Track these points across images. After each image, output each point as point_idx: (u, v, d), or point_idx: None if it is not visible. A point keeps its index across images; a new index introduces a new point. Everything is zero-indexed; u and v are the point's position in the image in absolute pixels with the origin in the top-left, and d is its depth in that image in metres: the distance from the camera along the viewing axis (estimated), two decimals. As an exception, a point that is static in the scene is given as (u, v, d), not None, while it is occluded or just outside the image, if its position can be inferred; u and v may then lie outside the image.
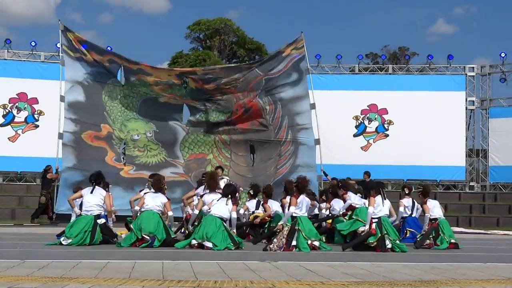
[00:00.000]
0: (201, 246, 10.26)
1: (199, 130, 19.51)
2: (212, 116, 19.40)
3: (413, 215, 13.44)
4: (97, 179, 11.38)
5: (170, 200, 11.37)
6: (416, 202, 13.62)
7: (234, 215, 10.95)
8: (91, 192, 11.12)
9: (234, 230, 10.95)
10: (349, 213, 12.00)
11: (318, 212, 13.51)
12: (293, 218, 10.67)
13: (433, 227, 11.77)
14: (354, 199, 12.09)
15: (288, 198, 11.09)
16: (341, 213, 12.29)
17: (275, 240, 10.30)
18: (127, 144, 19.00)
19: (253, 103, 19.57)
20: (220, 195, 11.00)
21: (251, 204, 13.21)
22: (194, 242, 10.36)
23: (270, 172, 19.24)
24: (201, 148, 19.47)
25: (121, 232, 12.05)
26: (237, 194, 11.70)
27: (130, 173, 18.58)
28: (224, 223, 10.54)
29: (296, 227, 10.58)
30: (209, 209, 10.80)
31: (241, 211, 12.75)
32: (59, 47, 18.94)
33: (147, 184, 12.60)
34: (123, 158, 19.10)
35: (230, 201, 10.89)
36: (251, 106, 19.57)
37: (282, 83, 19.57)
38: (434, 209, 12.01)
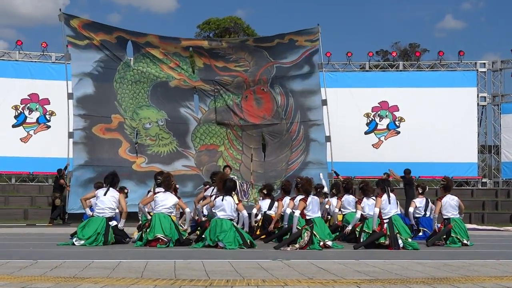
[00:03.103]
0: (215, 244, 10.26)
1: (211, 121, 19.40)
2: (222, 100, 19.29)
3: (426, 215, 13.24)
4: (113, 181, 11.20)
5: (181, 199, 11.34)
6: (430, 202, 13.47)
7: (245, 213, 10.91)
8: (105, 194, 10.97)
9: (247, 229, 10.91)
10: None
11: (327, 207, 13.28)
12: (307, 221, 10.56)
13: (447, 228, 11.47)
14: (367, 208, 11.64)
15: (297, 199, 10.83)
16: (350, 228, 11.83)
17: (297, 245, 10.21)
18: (139, 133, 18.80)
19: (264, 94, 19.45)
20: (230, 197, 10.82)
21: (264, 204, 12.88)
22: (207, 243, 10.37)
23: (282, 168, 19.14)
24: (212, 139, 19.31)
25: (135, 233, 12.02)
26: (237, 188, 11.61)
27: (142, 166, 18.35)
28: (234, 224, 10.49)
29: (314, 231, 10.48)
30: (213, 206, 10.70)
31: (254, 211, 12.65)
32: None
33: (153, 185, 12.37)
34: (136, 147, 18.97)
35: (235, 196, 10.82)
36: (262, 97, 19.47)
37: (293, 74, 19.44)
38: (448, 207, 11.63)
